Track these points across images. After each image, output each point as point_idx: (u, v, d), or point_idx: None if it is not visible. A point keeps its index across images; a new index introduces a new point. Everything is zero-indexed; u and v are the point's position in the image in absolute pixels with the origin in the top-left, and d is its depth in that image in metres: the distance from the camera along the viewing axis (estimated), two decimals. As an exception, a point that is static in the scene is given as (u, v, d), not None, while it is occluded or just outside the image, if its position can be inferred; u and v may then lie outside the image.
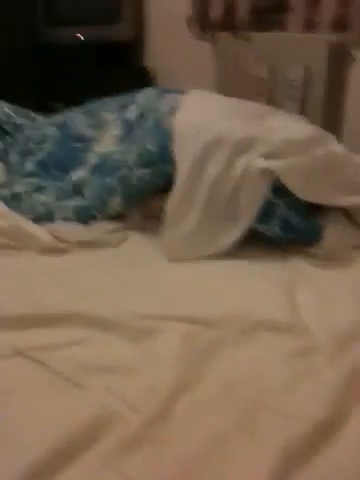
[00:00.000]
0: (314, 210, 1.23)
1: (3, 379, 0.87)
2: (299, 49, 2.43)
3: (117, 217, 1.36)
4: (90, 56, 3.00)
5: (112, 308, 1.00)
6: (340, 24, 2.36)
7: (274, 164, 1.17)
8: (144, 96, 1.47)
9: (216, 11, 2.70)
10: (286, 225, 1.19)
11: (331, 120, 2.32)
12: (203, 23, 2.80)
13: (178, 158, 1.24)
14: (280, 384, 0.85)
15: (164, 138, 1.27)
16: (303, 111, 2.39)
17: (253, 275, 1.16)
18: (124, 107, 1.49)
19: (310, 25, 2.45)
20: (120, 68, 3.02)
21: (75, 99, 1.73)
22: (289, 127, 1.27)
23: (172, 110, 1.33)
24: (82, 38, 3.03)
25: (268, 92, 2.48)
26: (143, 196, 1.33)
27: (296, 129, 1.26)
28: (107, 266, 1.19)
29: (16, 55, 2.78)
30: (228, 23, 2.70)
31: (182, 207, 1.22)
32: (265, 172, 1.17)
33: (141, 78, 3.02)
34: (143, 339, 0.93)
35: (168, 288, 1.10)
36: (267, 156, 1.18)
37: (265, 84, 2.50)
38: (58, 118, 1.62)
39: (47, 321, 0.99)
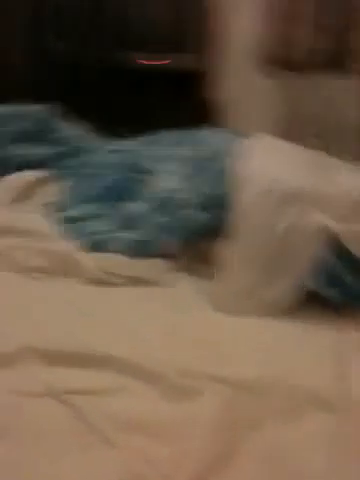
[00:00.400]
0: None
1: (30, 420, 0.82)
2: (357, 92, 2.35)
3: (167, 256, 1.31)
4: (154, 83, 2.99)
5: (154, 358, 0.94)
6: None
7: (338, 227, 1.11)
8: (215, 137, 1.43)
9: (283, 49, 2.65)
10: (346, 289, 1.12)
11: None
12: (270, 60, 2.76)
13: (243, 207, 1.19)
14: (320, 469, 0.78)
15: (231, 184, 1.23)
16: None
17: (304, 337, 1.08)
18: (190, 144, 1.45)
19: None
20: (183, 99, 2.99)
21: (136, 126, 1.70)
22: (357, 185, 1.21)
23: (242, 155, 1.28)
24: (146, 63, 3.02)
25: (323, 133, 2.42)
26: (199, 240, 1.28)
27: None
28: (154, 309, 1.13)
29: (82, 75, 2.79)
30: (294, 62, 2.65)
31: (240, 259, 1.17)
32: (326, 230, 1.12)
33: (203, 110, 2.99)
34: (183, 398, 0.87)
35: (214, 341, 1.03)
36: (337, 217, 1.13)
37: (322, 126, 2.43)
38: (119, 145, 1.59)
39: (84, 361, 0.95)
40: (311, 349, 1.04)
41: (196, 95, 3.13)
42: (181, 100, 2.97)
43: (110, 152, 1.57)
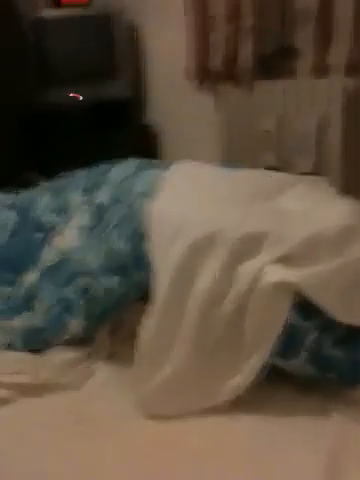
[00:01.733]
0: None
1: None
2: (310, 97, 2.02)
3: (79, 340, 0.93)
4: (87, 116, 2.65)
5: None
6: (356, 67, 1.95)
7: (296, 275, 0.73)
8: (119, 172, 1.05)
9: (216, 60, 2.32)
10: (320, 359, 0.75)
11: (351, 177, 1.88)
12: (203, 74, 2.42)
13: (156, 262, 0.82)
14: None
15: (138, 233, 0.85)
16: (318, 167, 1.97)
17: (278, 438, 0.72)
18: (96, 186, 1.07)
19: (321, 70, 2.05)
20: (120, 127, 2.64)
21: (71, 165, 1.33)
22: (313, 213, 0.83)
23: (151, 193, 0.91)
24: (80, 98, 2.68)
25: (277, 147, 2.06)
26: (113, 313, 0.90)
27: (324, 216, 0.81)
28: (60, 430, 0.75)
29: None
30: (229, 73, 2.32)
31: (162, 340, 0.79)
32: (284, 286, 0.74)
33: (143, 137, 2.65)
34: None
35: (144, 468, 0.66)
36: (284, 260, 0.75)
37: (273, 138, 2.08)
38: (19, 198, 1.21)
39: None
40: (292, 454, 0.68)
41: (135, 123, 2.80)
42: (119, 129, 2.64)
43: (7, 208, 1.19)
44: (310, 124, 1.99)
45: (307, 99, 2.05)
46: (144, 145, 2.68)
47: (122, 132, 2.63)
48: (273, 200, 0.88)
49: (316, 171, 1.88)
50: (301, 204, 0.88)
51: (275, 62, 2.21)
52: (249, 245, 0.76)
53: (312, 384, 0.80)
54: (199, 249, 0.78)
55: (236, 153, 2.21)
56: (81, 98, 2.68)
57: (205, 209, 0.84)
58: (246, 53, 2.20)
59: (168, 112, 2.62)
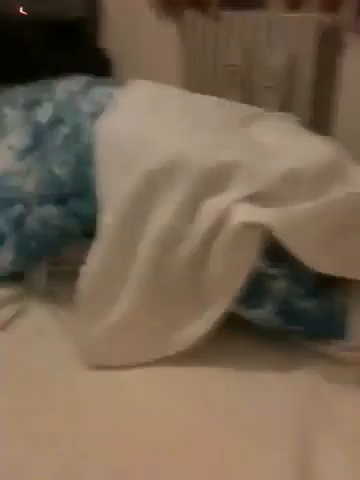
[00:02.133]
0: (331, 285, 0.69)
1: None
2: (282, 31, 1.87)
3: (11, 277, 0.80)
4: (35, 37, 2.38)
5: None
6: (330, 2, 1.81)
7: (268, 215, 0.63)
8: (64, 88, 0.89)
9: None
10: (289, 310, 0.66)
11: (319, 116, 1.78)
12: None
13: (104, 193, 0.69)
14: None
15: (81, 158, 0.71)
16: (286, 105, 1.85)
17: (240, 394, 0.64)
18: (37, 103, 0.91)
19: (295, 3, 1.90)
20: (70, 49, 2.40)
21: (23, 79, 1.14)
22: (290, 147, 0.71)
23: (101, 113, 0.76)
24: (25, 13, 2.40)
25: (243, 82, 1.92)
26: (50, 247, 0.77)
27: (302, 151, 0.70)
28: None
29: None
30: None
31: (108, 281, 0.67)
32: (253, 227, 0.63)
33: (96, 62, 2.42)
34: None
35: (77, 430, 0.57)
36: (255, 198, 0.64)
37: (240, 72, 1.93)
38: None
39: None
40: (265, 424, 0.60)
41: (87, 46, 2.56)
42: (69, 51, 2.40)
43: None
44: (279, 60, 1.87)
45: (278, 33, 1.91)
46: (96, 71, 2.47)
47: (72, 55, 2.39)
48: (243, 130, 0.76)
49: (283, 111, 1.77)
50: (274, 137, 0.77)
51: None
52: (216, 178, 0.64)
53: (274, 337, 0.72)
54: (156, 179, 0.65)
55: (198, 87, 2.03)
56: (26, 14, 2.41)
57: (165, 133, 0.70)
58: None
59: (125, 37, 2.40)
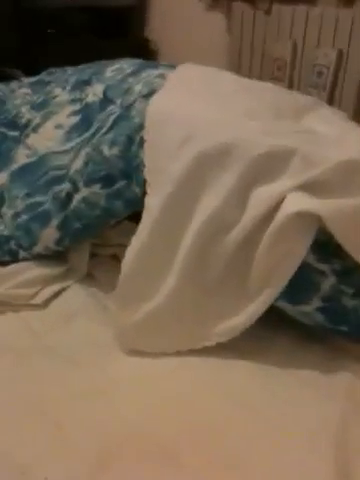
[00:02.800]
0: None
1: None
2: (331, 28, 1.82)
3: (54, 257, 0.80)
4: (83, 23, 2.40)
5: None
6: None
7: (322, 205, 0.60)
8: (117, 70, 0.88)
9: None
10: (334, 309, 0.64)
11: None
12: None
13: (152, 175, 0.67)
14: None
15: (131, 138, 0.70)
16: (330, 104, 1.81)
17: (279, 393, 0.62)
18: (87, 83, 0.90)
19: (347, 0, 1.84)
20: (118, 39, 2.40)
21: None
22: (346, 138, 0.68)
23: (152, 93, 0.75)
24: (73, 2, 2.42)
25: (289, 77, 1.89)
26: (93, 229, 0.76)
27: (358, 142, 0.67)
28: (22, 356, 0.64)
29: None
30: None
31: (151, 266, 0.65)
32: (306, 217, 0.60)
33: (141, 51, 2.42)
34: None
35: (118, 418, 0.57)
36: (308, 187, 0.61)
37: (286, 67, 1.90)
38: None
39: None
40: (299, 421, 0.57)
41: (134, 35, 2.55)
42: (116, 40, 2.40)
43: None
44: (328, 57, 1.82)
45: (329, 29, 1.86)
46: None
47: (118, 43, 2.39)
48: (298, 118, 0.74)
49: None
50: (328, 127, 0.74)
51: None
52: (270, 164, 0.62)
53: (314, 335, 0.70)
54: (208, 162, 0.63)
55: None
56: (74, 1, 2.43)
57: (218, 115, 0.67)
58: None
59: (173, 28, 2.38)
